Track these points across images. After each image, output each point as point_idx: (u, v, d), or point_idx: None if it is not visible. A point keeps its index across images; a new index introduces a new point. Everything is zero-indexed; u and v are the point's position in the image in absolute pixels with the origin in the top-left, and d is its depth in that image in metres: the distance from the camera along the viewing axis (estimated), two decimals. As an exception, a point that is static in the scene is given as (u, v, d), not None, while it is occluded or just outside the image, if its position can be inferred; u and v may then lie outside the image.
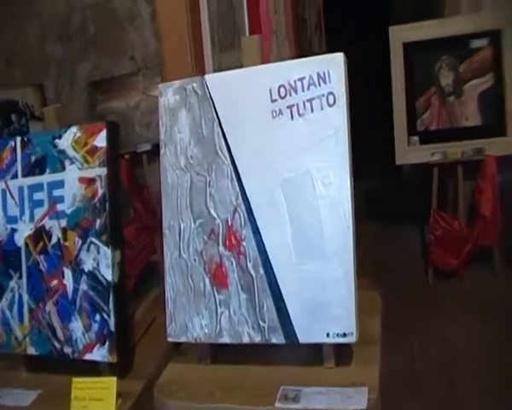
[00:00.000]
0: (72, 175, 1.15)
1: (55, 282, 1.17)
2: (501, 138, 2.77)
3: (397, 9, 3.81)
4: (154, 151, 2.95)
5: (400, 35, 2.85)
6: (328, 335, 0.97)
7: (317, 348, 1.01)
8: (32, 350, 1.21)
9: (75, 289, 1.15)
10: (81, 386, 1.09)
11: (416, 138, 2.95)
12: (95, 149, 1.13)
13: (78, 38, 3.03)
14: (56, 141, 1.17)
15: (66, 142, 1.16)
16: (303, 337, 0.99)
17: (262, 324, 1.01)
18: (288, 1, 2.14)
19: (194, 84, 1.06)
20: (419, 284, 2.97)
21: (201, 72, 1.27)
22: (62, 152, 1.16)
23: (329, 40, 3.12)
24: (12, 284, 1.22)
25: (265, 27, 1.75)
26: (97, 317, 1.12)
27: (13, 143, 1.23)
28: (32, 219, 1.20)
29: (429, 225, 2.91)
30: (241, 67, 1.40)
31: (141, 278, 2.73)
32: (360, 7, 3.95)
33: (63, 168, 1.16)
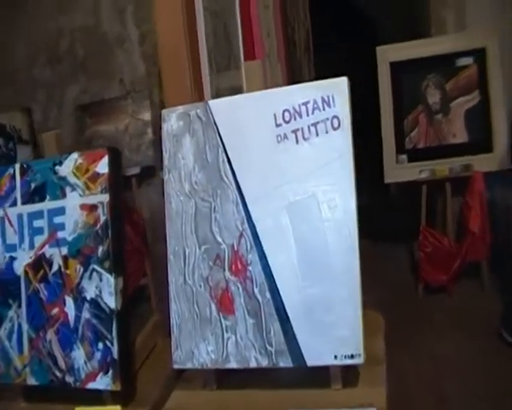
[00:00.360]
0: (73, 202, 1.14)
1: (55, 310, 1.15)
2: (488, 154, 2.82)
3: (384, 30, 3.88)
4: (144, 174, 2.95)
5: (387, 55, 2.90)
6: (335, 357, 0.97)
7: (324, 370, 1.01)
8: (32, 380, 1.18)
9: (77, 318, 1.13)
10: (84, 416, 1.08)
11: (404, 157, 2.98)
12: (96, 176, 1.12)
13: (66, 61, 3.03)
14: (57, 168, 1.16)
15: (67, 168, 1.15)
16: (311, 360, 0.99)
17: (269, 348, 1.00)
18: (279, 24, 2.17)
19: (198, 110, 1.07)
20: (409, 299, 2.99)
21: (200, 95, 1.27)
22: (63, 179, 1.16)
23: (318, 62, 3.15)
24: (11, 313, 1.20)
25: (259, 51, 1.77)
26: (100, 345, 1.11)
27: (12, 171, 1.22)
28: (31, 247, 1.18)
29: (418, 241, 2.94)
30: (237, 90, 1.41)
31: (131, 301, 2.71)
32: (348, 28, 4.01)
33: (64, 195, 1.15)
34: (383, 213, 3.73)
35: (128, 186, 2.86)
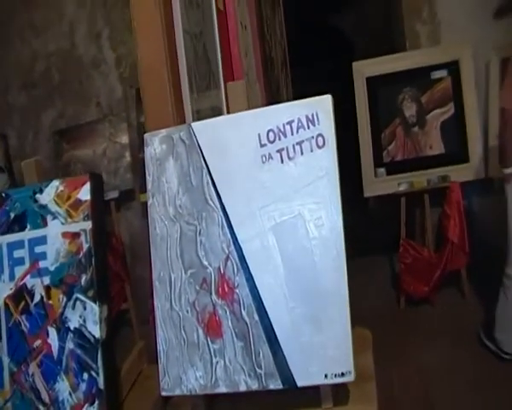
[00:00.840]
0: (54, 230, 1.12)
1: (38, 342, 1.12)
2: (464, 165, 2.87)
3: (360, 46, 3.94)
4: (122, 198, 2.93)
5: (363, 70, 2.94)
6: (326, 376, 0.96)
7: (314, 389, 1.00)
8: (14, 416, 1.15)
9: (61, 348, 1.10)
10: (71, 450, 1.05)
11: (382, 170, 3.02)
12: (78, 203, 1.10)
13: (42, 85, 3.01)
14: (37, 196, 1.14)
15: (47, 196, 1.13)
16: (301, 381, 0.97)
17: (259, 371, 0.99)
18: (257, 42, 2.18)
19: (181, 133, 1.06)
20: (392, 312, 3.01)
21: (181, 117, 1.27)
22: (44, 207, 1.13)
23: (296, 78, 3.18)
24: (-9, 347, 1.17)
25: (238, 70, 1.77)
26: (85, 375, 1.08)
27: (-10, 200, 1.19)
28: (12, 277, 1.15)
29: (399, 254, 2.97)
30: (217, 110, 1.40)
31: (113, 327, 2.67)
32: (325, 45, 4.06)
33: (45, 224, 1.13)
34: (362, 227, 3.75)
35: (107, 211, 2.83)
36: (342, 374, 0.96)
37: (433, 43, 2.89)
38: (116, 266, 2.87)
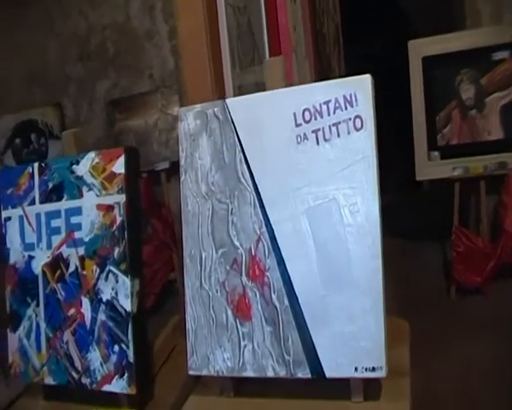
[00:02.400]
0: (89, 202, 1.12)
1: (72, 311, 1.14)
2: (525, 152, 2.71)
3: (417, 23, 3.77)
4: (173, 169, 2.95)
5: (420, 49, 2.81)
6: (356, 369, 0.93)
7: (345, 381, 0.96)
8: (50, 380, 1.18)
9: (93, 319, 1.12)
10: (100, 418, 1.07)
11: (436, 153, 2.89)
12: (113, 176, 1.10)
13: (97, 57, 3.05)
14: (74, 167, 1.15)
15: (83, 168, 1.14)
16: (330, 372, 0.94)
17: (287, 357, 0.97)
18: (307, 18, 2.12)
19: (216, 109, 1.03)
20: (441, 301, 2.90)
21: (222, 94, 1.24)
22: (80, 178, 1.14)
23: (349, 56, 3.09)
24: (29, 311, 1.20)
25: (285, 46, 1.73)
26: (116, 348, 1.09)
27: (30, 169, 1.21)
28: (49, 246, 1.18)
29: (451, 241, 2.86)
30: (261, 86, 1.37)
31: (160, 296, 2.72)
32: (380, 21, 3.92)
33: (81, 195, 1.14)
34: (415, 211, 3.64)
35: (157, 181, 2.86)
36: (373, 369, 0.92)
37: (495, 22, 2.72)
38: (165, 236, 2.91)
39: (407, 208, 3.75)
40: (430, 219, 3.46)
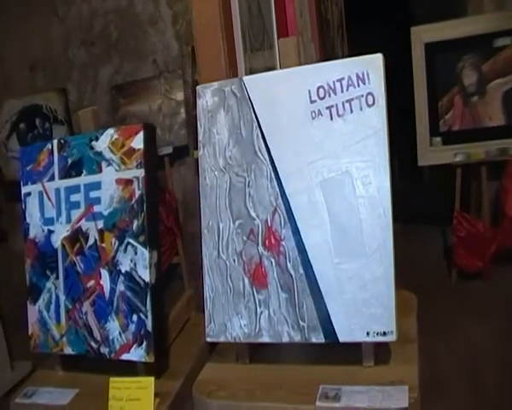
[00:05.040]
0: (109, 177, 1.16)
1: (91, 283, 1.18)
2: (526, 138, 2.74)
3: (419, 9, 3.79)
4: (176, 154, 2.97)
5: (422, 35, 2.84)
6: (368, 334, 0.97)
7: (356, 346, 1.01)
8: (69, 350, 1.22)
9: (112, 290, 1.16)
10: (118, 386, 1.10)
11: (438, 139, 2.93)
12: (132, 151, 1.14)
13: (100, 42, 3.07)
14: (93, 143, 1.18)
15: (103, 144, 1.17)
16: (343, 336, 0.99)
17: (302, 323, 1.01)
18: (313, 2, 2.14)
19: (233, 86, 1.07)
20: (442, 285, 2.94)
21: (235, 74, 1.27)
22: (99, 154, 1.18)
23: (352, 41, 3.11)
24: (49, 284, 1.24)
25: (293, 30, 1.76)
26: (134, 317, 1.13)
27: (50, 146, 1.24)
28: (68, 220, 1.21)
29: (452, 226, 2.90)
30: (272, 68, 1.40)
31: (165, 277, 2.75)
32: (382, 8, 3.93)
33: (100, 170, 1.17)
34: (416, 197, 3.68)
35: (161, 166, 2.89)
36: (384, 333, 0.96)
37: (497, 8, 2.75)
38: (168, 221, 2.93)
39: (409, 194, 3.79)
40: (431, 205, 3.50)
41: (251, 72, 1.44)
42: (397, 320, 0.96)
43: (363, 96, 0.98)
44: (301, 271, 1.01)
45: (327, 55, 2.51)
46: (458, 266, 2.89)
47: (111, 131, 1.17)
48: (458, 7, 3.14)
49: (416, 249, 3.31)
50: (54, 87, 2.99)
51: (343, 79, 0.99)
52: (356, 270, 0.98)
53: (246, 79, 1.06)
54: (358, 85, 0.98)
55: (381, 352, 1.02)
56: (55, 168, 1.23)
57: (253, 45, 1.48)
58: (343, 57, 2.85)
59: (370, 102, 0.97)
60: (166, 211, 2.93)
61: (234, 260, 1.06)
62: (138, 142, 1.13)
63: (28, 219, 1.27)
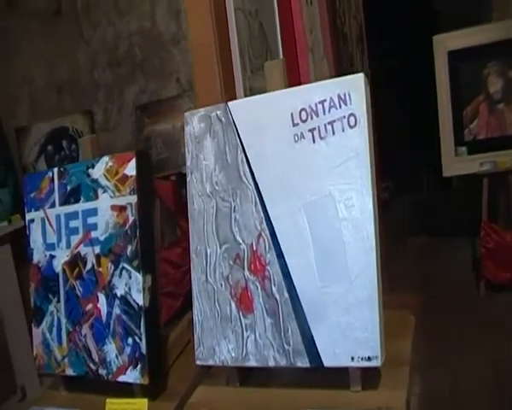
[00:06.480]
0: (104, 203, 1.19)
1: (90, 306, 1.21)
2: (553, 146, 2.66)
3: (442, 17, 3.73)
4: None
5: (445, 43, 2.80)
6: (352, 359, 0.96)
7: (344, 370, 1.00)
8: (70, 371, 1.25)
9: (109, 313, 1.18)
10: (114, 407, 1.13)
11: (463, 149, 2.87)
12: (125, 178, 1.16)
13: (125, 63, 3.15)
14: (90, 170, 1.22)
15: (98, 171, 1.20)
16: (328, 361, 0.98)
17: (287, 347, 1.01)
18: (325, 17, 2.14)
19: (218, 112, 1.08)
20: (470, 297, 2.88)
21: (232, 97, 1.28)
22: (95, 181, 1.21)
23: (374, 53, 3.09)
24: (51, 307, 1.27)
25: (301, 47, 1.76)
26: (130, 340, 1.15)
27: (51, 174, 1.28)
28: (68, 246, 1.25)
29: (480, 237, 2.83)
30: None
31: (188, 297, 2.78)
32: (404, 18, 3.89)
33: (96, 197, 1.20)
34: (443, 207, 3.61)
35: (185, 184, 2.92)
36: (369, 358, 0.95)
37: (523, 14, 2.68)
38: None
39: (436, 205, 3.72)
40: (459, 216, 3.43)
41: (252, 91, 1.45)
42: (383, 345, 0.95)
43: (344, 117, 0.97)
44: (286, 295, 1.01)
45: (344, 70, 2.50)
46: (486, 277, 2.82)
47: (106, 158, 1.20)
48: (483, 13, 3.08)
49: (444, 261, 3.25)
50: (80, 109, 3.09)
51: (325, 100, 0.99)
52: (340, 294, 0.97)
53: (230, 104, 1.07)
54: (340, 107, 0.98)
55: (369, 376, 1.01)
56: (56, 195, 1.27)
57: (253, 65, 1.49)
58: (363, 69, 2.85)
59: (352, 123, 0.97)
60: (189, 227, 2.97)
61: (221, 285, 1.07)
62: (131, 169, 1.16)
63: (32, 245, 1.31)
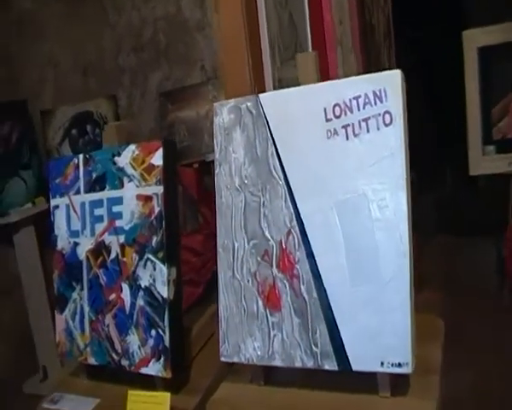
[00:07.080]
0: (130, 192, 1.17)
1: (113, 296, 1.20)
2: None
3: (472, 12, 3.64)
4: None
5: (475, 39, 2.72)
6: (382, 364, 0.93)
7: (373, 375, 0.97)
8: (92, 360, 1.24)
9: (132, 304, 1.17)
10: (136, 399, 1.11)
11: (491, 148, 2.80)
12: (152, 168, 1.14)
13: (150, 48, 3.13)
14: (116, 158, 1.20)
15: (124, 159, 1.19)
16: (356, 365, 0.95)
17: (315, 349, 0.98)
18: (354, 9, 2.10)
19: (249, 103, 1.05)
20: (493, 300, 2.82)
21: (261, 88, 1.26)
22: (121, 169, 1.19)
23: (401, 47, 3.03)
24: (74, 295, 1.27)
25: (330, 40, 1.72)
26: (153, 332, 1.13)
27: (76, 160, 1.27)
28: (92, 233, 1.24)
29: (505, 237, 2.77)
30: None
31: (209, 284, 2.78)
32: (433, 12, 3.81)
33: (122, 185, 1.19)
34: (469, 206, 3.54)
35: (207, 171, 2.91)
36: (399, 364, 0.92)
37: (556, 9, 2.60)
38: (215, 225, 2.94)
39: (462, 204, 3.65)
40: (485, 215, 3.36)
41: (280, 82, 1.42)
42: (413, 352, 0.92)
43: (380, 114, 0.94)
44: (315, 295, 0.98)
45: (371, 64, 2.45)
46: (511, 280, 2.76)
47: (132, 147, 1.18)
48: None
49: (469, 262, 3.19)
50: (104, 93, 3.08)
51: (360, 96, 0.95)
52: (371, 296, 0.94)
53: (262, 96, 1.04)
54: (375, 104, 0.94)
55: (398, 382, 0.98)
56: (81, 182, 1.26)
57: (283, 56, 1.46)
58: (390, 64, 2.79)
59: (388, 121, 0.93)
60: (213, 215, 2.95)
61: (248, 281, 1.05)
62: (158, 158, 1.14)
63: (56, 231, 1.30)
